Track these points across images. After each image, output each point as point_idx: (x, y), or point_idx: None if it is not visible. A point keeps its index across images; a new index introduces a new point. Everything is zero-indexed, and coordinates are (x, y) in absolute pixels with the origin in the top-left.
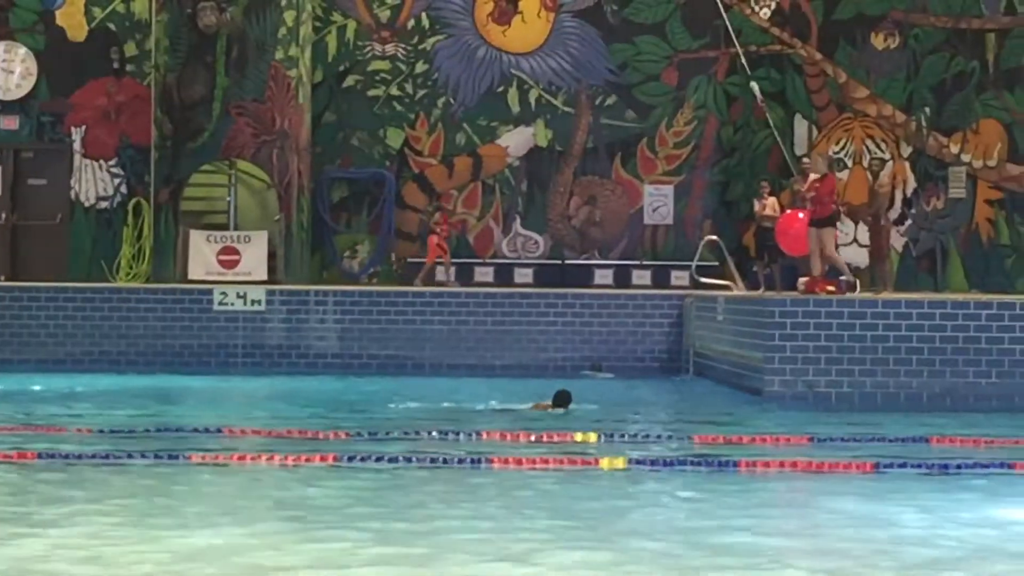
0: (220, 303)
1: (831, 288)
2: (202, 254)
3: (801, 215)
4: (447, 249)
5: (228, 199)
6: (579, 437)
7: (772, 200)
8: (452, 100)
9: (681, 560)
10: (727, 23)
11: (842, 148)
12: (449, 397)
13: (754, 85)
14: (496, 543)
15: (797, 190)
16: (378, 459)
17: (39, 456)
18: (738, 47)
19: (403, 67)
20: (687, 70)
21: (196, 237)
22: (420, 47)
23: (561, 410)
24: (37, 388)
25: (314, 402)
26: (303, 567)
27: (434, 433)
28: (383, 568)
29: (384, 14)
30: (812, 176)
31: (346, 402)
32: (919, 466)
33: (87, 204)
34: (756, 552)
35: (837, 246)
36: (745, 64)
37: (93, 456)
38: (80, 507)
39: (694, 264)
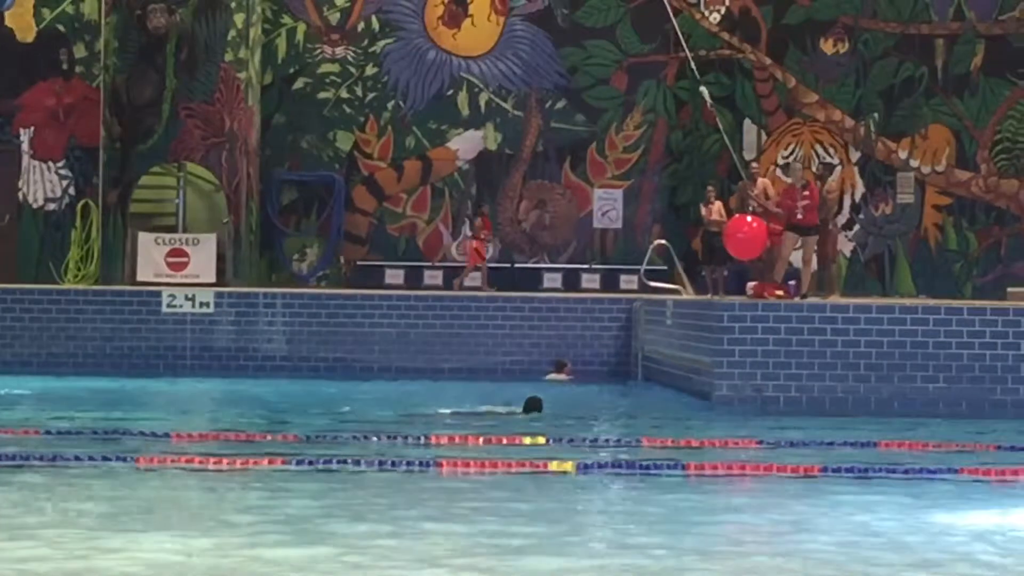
0: (169, 305)
1: (780, 292)
2: (151, 256)
3: (750, 219)
4: (484, 255)
5: (177, 201)
6: (528, 440)
7: (719, 204)
8: (402, 103)
9: (627, 563)
10: (676, 28)
11: (791, 153)
12: (409, 401)
13: (703, 90)
14: (439, 547)
15: (748, 195)
16: (326, 462)
17: None
18: (687, 52)
19: (353, 70)
20: (637, 74)
21: (145, 239)
22: (370, 50)
23: (534, 414)
24: None
25: (266, 405)
26: (243, 572)
27: (383, 437)
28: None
29: (334, 17)
30: (789, 182)
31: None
32: (866, 470)
33: (35, 206)
34: (705, 554)
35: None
36: (694, 69)
37: (40, 458)
38: (25, 510)
39: (643, 268)
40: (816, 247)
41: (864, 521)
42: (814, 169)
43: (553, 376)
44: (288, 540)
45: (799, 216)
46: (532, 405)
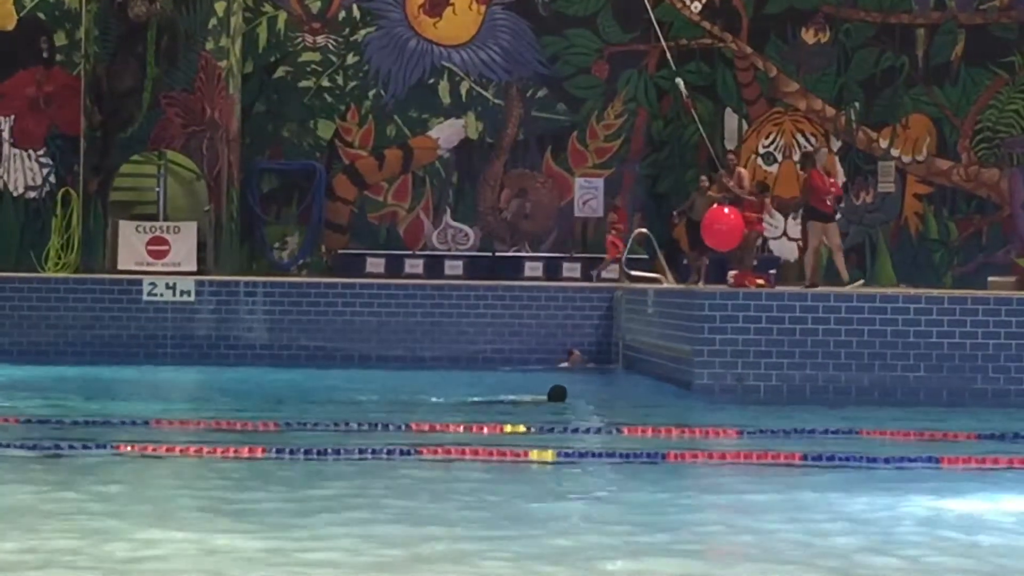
0: (149, 294)
1: (760, 281)
2: (131, 244)
3: (727, 210)
4: (621, 248)
5: (157, 189)
6: (508, 429)
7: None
8: (383, 92)
9: (606, 551)
10: (652, 18)
11: (772, 142)
12: (406, 389)
13: (679, 81)
14: (416, 535)
15: (725, 184)
16: (306, 452)
17: None
18: (663, 42)
19: (334, 58)
20: (618, 63)
21: (125, 227)
22: (351, 38)
23: (556, 404)
24: None
25: (248, 394)
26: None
27: (363, 425)
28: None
29: (315, 5)
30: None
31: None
32: (847, 459)
33: (15, 194)
34: (684, 543)
35: (765, 240)
36: (670, 59)
37: (20, 446)
38: (5, 497)
39: (624, 257)
40: (801, 235)
41: (845, 509)
42: (794, 158)
43: (565, 364)
44: (259, 530)
45: (828, 203)
46: (556, 394)
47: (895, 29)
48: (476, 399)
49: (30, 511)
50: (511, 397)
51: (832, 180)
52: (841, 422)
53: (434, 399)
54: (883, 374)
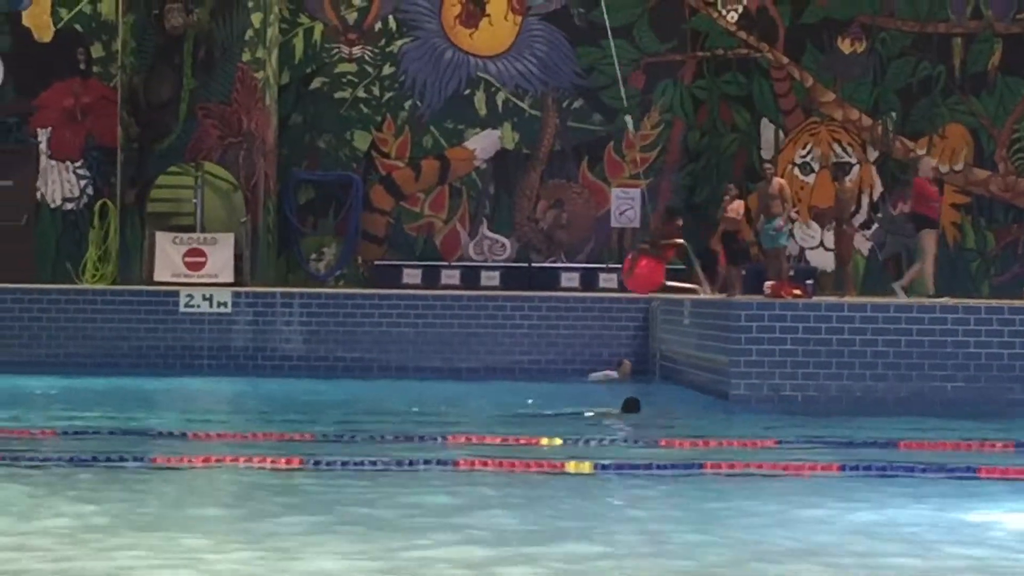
0: (186, 305)
1: (797, 292)
2: (168, 256)
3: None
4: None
5: (194, 201)
6: (545, 441)
7: (738, 203)
8: (419, 103)
9: (645, 565)
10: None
11: (808, 152)
12: (449, 400)
13: (628, 119)
14: (453, 548)
15: (767, 195)
16: (343, 464)
17: (0, 458)
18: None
19: (370, 69)
20: (654, 74)
21: (162, 239)
22: (387, 49)
23: (628, 415)
24: (1, 390)
25: (284, 405)
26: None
27: (400, 437)
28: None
29: (351, 16)
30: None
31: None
32: (884, 469)
33: (53, 205)
34: (723, 554)
35: (802, 250)
36: (624, 96)
37: (57, 459)
38: (43, 510)
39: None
40: (835, 245)
41: (883, 520)
42: (828, 167)
43: (610, 374)
44: (294, 543)
45: (936, 209)
46: (630, 405)
47: (932, 38)
48: (547, 412)
49: (68, 524)
50: (580, 409)
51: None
52: (879, 433)
53: (489, 412)
54: (920, 384)
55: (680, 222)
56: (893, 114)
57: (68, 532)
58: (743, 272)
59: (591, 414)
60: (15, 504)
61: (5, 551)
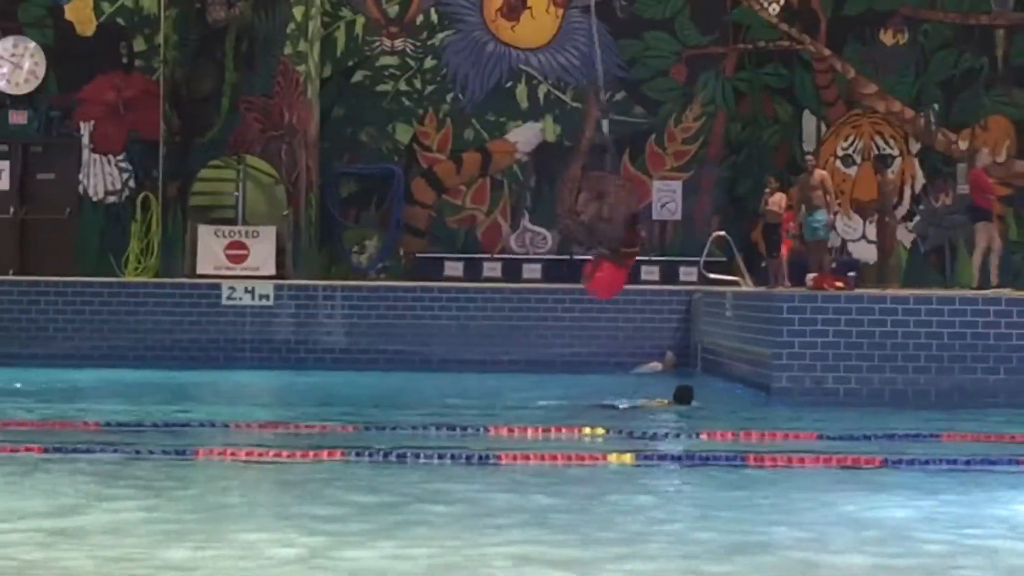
0: (228, 298)
1: (839, 284)
2: (210, 249)
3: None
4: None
5: (236, 194)
6: (587, 432)
7: (779, 196)
8: (460, 95)
9: (684, 557)
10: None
11: (850, 144)
12: (507, 394)
13: (604, 123)
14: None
15: (808, 187)
16: (385, 455)
17: (45, 450)
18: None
19: (412, 62)
20: (696, 66)
21: (204, 232)
22: (429, 42)
23: (681, 406)
24: (45, 382)
25: (326, 397)
26: (302, 561)
27: (443, 429)
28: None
29: (393, 9)
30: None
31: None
32: (927, 462)
33: (95, 198)
34: (765, 547)
35: (844, 242)
36: (603, 106)
37: (101, 451)
38: (89, 502)
39: (702, 260)
40: (877, 237)
41: (926, 513)
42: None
43: (655, 366)
44: (344, 530)
45: (992, 201)
46: (683, 395)
47: (974, 30)
48: (594, 403)
49: (111, 518)
50: (629, 401)
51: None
52: (921, 425)
53: (542, 402)
54: (963, 377)
55: (643, 233)
56: (935, 106)
57: (114, 525)
58: (785, 264)
59: (642, 403)
60: (61, 497)
61: (55, 544)
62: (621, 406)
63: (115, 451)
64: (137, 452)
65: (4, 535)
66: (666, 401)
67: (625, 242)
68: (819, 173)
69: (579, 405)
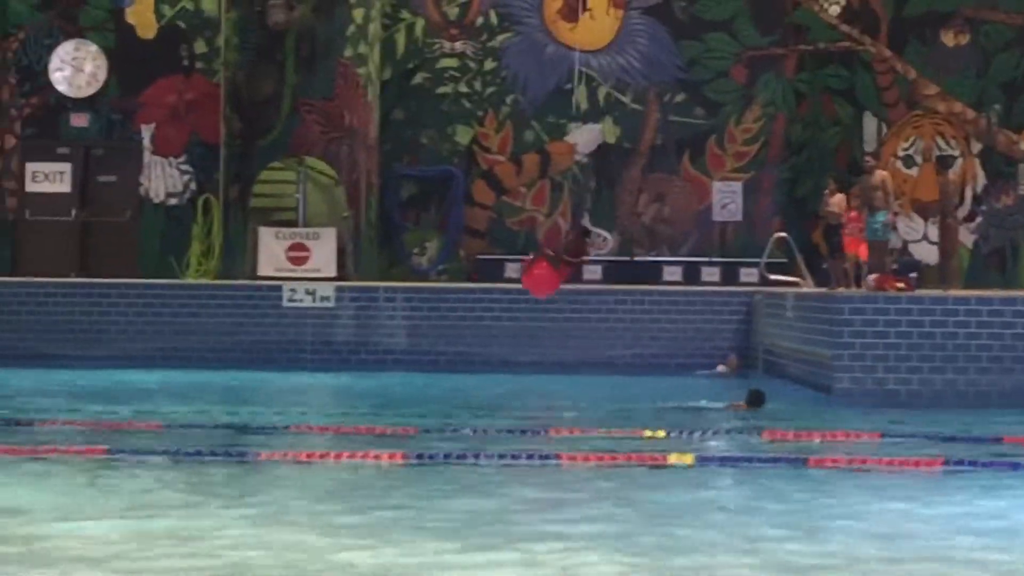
0: (289, 300)
1: (900, 285)
2: (271, 251)
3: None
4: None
5: (297, 196)
6: (647, 433)
7: (839, 197)
8: (520, 97)
9: (745, 559)
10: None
11: (911, 145)
12: (577, 397)
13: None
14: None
15: (869, 188)
16: (446, 456)
17: (108, 452)
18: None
19: (471, 64)
20: (756, 67)
21: (265, 234)
22: (488, 44)
23: (754, 409)
24: (106, 384)
25: (388, 399)
26: (365, 565)
27: (503, 431)
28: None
29: (453, 11)
30: None
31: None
32: (990, 464)
33: (156, 201)
34: (826, 550)
35: (905, 243)
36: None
37: (163, 452)
38: (152, 502)
39: (763, 261)
40: (939, 238)
41: (988, 515)
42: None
43: (720, 369)
44: (405, 534)
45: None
46: (755, 398)
47: None
48: (669, 404)
49: (175, 519)
50: (705, 403)
51: None
52: (983, 427)
53: (594, 405)
54: None
55: (590, 245)
56: (997, 107)
57: (174, 529)
58: (846, 265)
59: (720, 407)
60: (122, 499)
61: (118, 547)
62: (697, 406)
63: (176, 452)
64: (199, 453)
65: (78, 538)
66: (741, 404)
67: (571, 251)
68: (879, 174)
69: (654, 407)
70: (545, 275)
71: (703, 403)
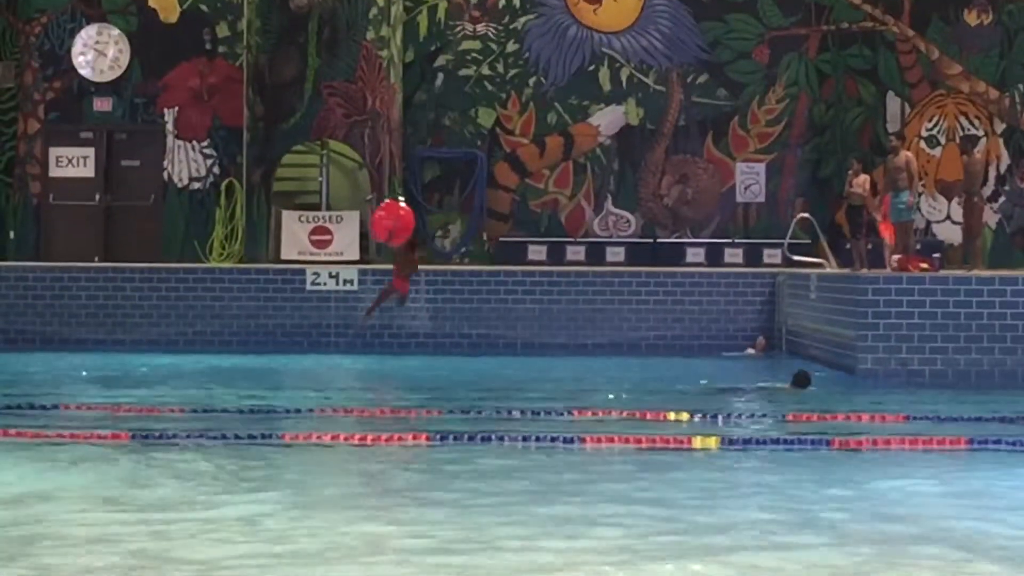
0: (312, 283)
1: (924, 265)
2: (294, 234)
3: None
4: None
5: (320, 179)
6: (672, 416)
7: (863, 177)
8: (543, 79)
9: (771, 539)
10: None
11: (935, 125)
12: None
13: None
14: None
15: (894, 168)
16: (470, 438)
17: (132, 436)
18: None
19: (494, 47)
20: (779, 48)
21: (288, 217)
22: (511, 26)
23: (799, 391)
24: (131, 368)
25: (412, 382)
26: (391, 548)
27: (527, 413)
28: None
29: None
30: None
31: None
32: (1015, 443)
33: (180, 185)
34: (851, 530)
35: (929, 223)
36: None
37: (187, 436)
38: (176, 486)
39: (786, 242)
40: (963, 218)
41: (1013, 494)
42: (956, 141)
43: (749, 351)
44: (423, 515)
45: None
46: (801, 379)
47: None
48: (706, 384)
49: (198, 502)
50: (745, 385)
51: None
52: (1008, 407)
53: (622, 386)
54: None
55: (417, 256)
56: (1021, 86)
57: (198, 510)
58: (869, 245)
59: (763, 386)
60: (148, 483)
61: (146, 532)
62: (743, 387)
63: (200, 436)
64: (223, 436)
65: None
66: (786, 386)
67: (404, 262)
68: (904, 154)
69: (696, 390)
70: (396, 273)
71: (750, 384)
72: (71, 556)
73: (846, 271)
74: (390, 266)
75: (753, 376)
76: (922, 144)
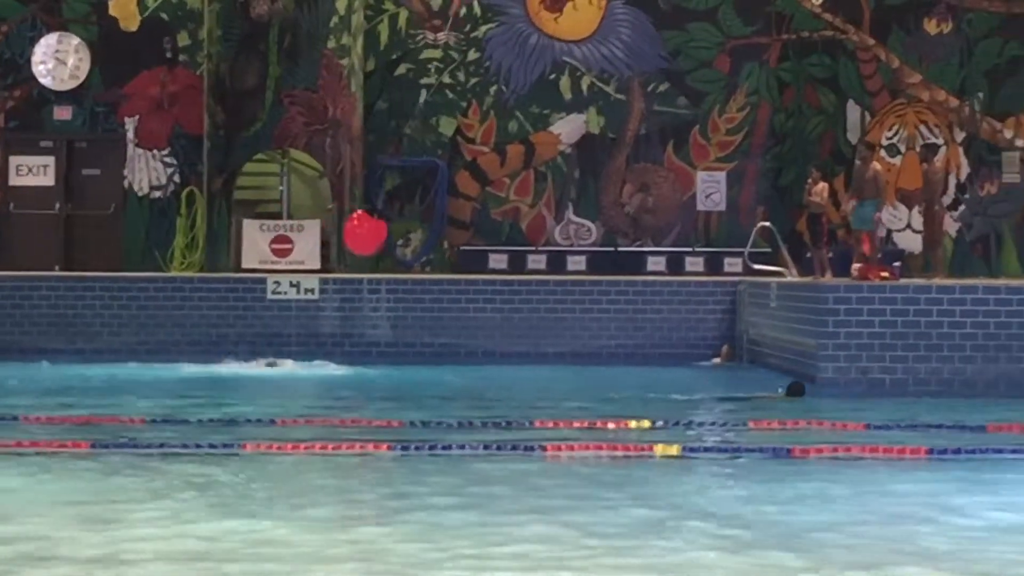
0: (273, 292)
1: (885, 274)
2: (255, 243)
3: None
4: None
5: (281, 188)
6: (633, 424)
7: (822, 185)
8: (504, 88)
9: (731, 548)
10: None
11: (895, 134)
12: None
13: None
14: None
15: (861, 177)
16: (431, 447)
17: (92, 446)
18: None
19: (455, 55)
20: (739, 57)
21: (249, 226)
22: (472, 35)
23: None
24: (90, 378)
25: (372, 391)
26: (346, 558)
27: (488, 422)
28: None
29: (436, 2)
30: None
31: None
32: (973, 452)
33: (140, 194)
34: (809, 539)
35: (889, 232)
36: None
37: (147, 446)
38: (136, 497)
39: (747, 250)
40: (923, 227)
41: (972, 504)
42: (916, 149)
43: (715, 360)
44: (382, 526)
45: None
46: (795, 389)
47: (1019, 18)
48: (701, 396)
49: (159, 510)
50: (744, 394)
51: None
52: (967, 415)
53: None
54: (1009, 367)
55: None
56: (980, 95)
57: (164, 517)
58: (830, 255)
59: (757, 396)
60: (108, 493)
61: (102, 541)
62: (737, 397)
63: (161, 446)
64: (183, 446)
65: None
66: (777, 396)
67: None
68: (873, 167)
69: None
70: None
71: (745, 394)
72: (27, 567)
73: (807, 279)
74: (350, 275)
75: (719, 386)
76: (882, 152)
